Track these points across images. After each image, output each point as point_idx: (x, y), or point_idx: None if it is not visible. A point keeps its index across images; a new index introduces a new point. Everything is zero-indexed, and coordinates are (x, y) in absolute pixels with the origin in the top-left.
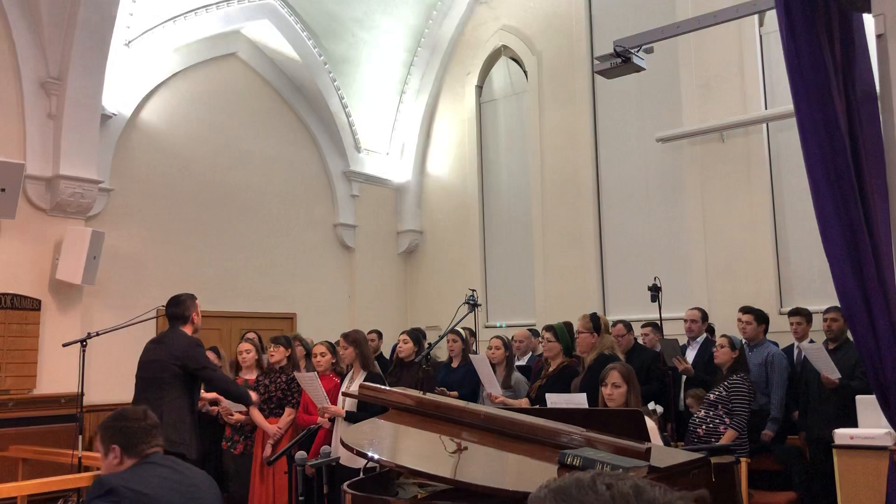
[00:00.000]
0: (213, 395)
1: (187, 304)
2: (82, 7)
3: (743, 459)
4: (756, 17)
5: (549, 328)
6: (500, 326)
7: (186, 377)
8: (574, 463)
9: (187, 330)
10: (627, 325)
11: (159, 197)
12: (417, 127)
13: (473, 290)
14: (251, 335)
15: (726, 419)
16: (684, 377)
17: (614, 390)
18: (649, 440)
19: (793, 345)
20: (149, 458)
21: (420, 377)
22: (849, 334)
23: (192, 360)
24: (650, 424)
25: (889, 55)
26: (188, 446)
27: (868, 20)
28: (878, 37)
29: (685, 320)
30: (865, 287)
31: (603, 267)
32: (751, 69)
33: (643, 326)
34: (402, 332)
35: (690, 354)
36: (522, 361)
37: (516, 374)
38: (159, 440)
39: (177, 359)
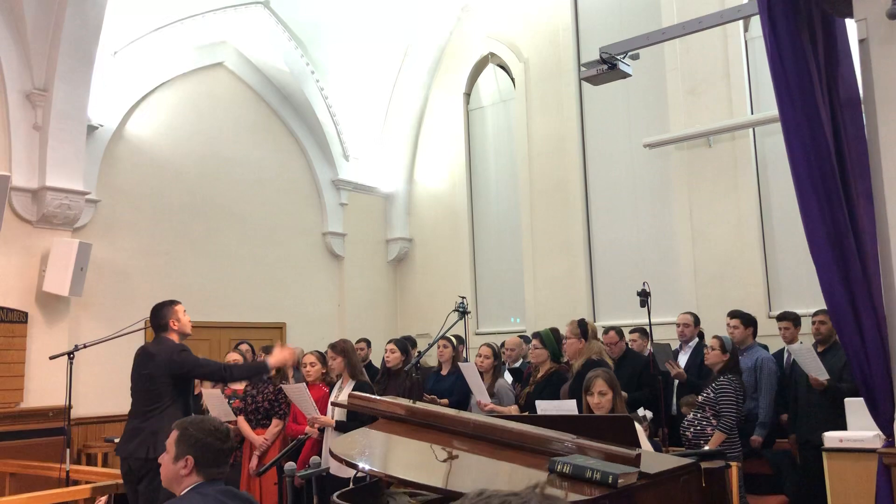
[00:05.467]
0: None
1: (163, 311)
2: (68, 18)
3: (734, 464)
4: (741, 22)
5: (536, 335)
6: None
7: (178, 384)
8: (564, 470)
9: (172, 337)
10: (619, 332)
11: (147, 207)
12: (405, 135)
13: (463, 298)
14: (244, 346)
15: (713, 421)
16: (676, 382)
17: (601, 398)
18: (640, 446)
19: (783, 349)
20: (214, 482)
21: (407, 385)
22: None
23: (179, 366)
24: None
25: (871, 59)
26: None
27: (851, 25)
28: (861, 41)
29: (677, 325)
30: (851, 289)
31: (592, 273)
32: (737, 74)
33: (631, 332)
34: (390, 341)
35: (682, 359)
36: (516, 365)
37: (500, 382)
38: (228, 467)
39: (163, 369)
